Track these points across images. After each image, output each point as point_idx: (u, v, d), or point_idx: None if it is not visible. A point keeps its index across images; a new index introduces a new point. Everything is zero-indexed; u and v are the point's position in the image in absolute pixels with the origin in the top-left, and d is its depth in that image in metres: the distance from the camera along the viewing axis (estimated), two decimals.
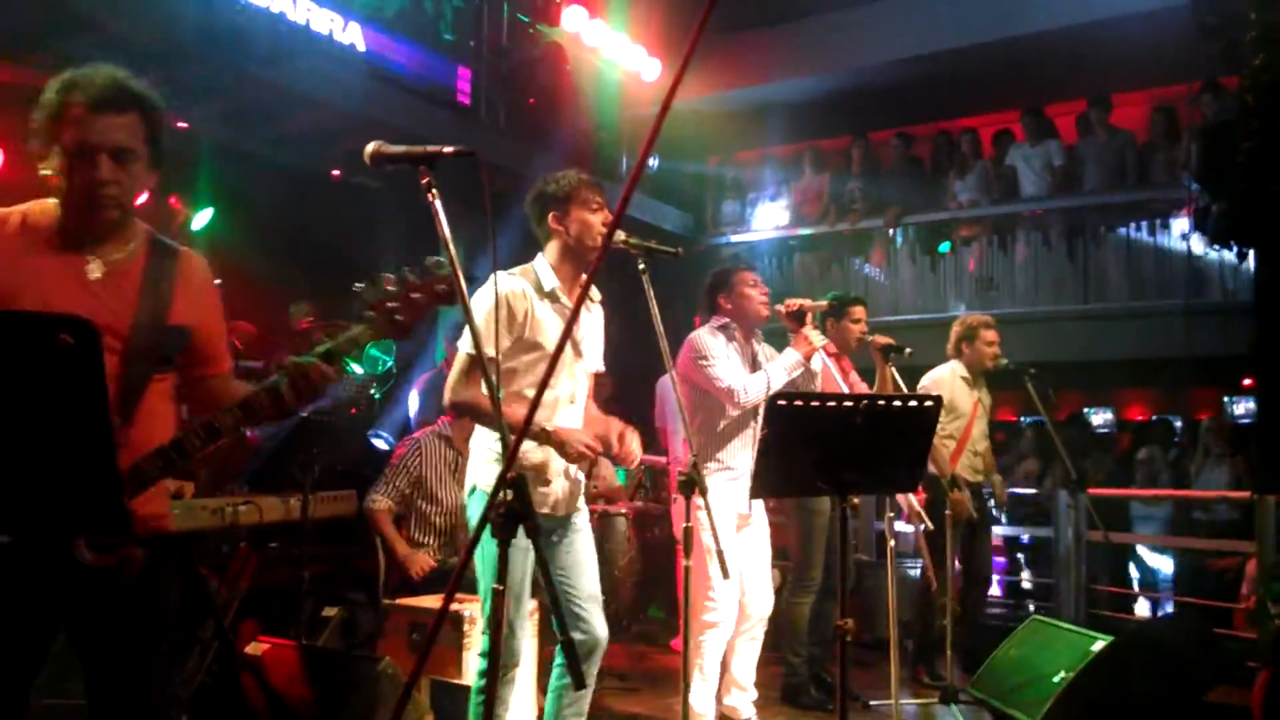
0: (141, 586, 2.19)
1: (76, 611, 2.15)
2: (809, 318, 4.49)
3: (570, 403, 3.33)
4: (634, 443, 3.33)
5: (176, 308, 2.27)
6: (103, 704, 2.25)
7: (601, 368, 3.54)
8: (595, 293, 3.44)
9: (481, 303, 3.14)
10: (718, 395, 4.32)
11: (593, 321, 3.50)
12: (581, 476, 3.41)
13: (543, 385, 2.13)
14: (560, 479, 3.28)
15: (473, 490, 3.34)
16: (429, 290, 2.21)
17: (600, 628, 3.28)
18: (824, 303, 4.86)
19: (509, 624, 3.17)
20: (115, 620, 2.18)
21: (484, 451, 3.32)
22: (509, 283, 3.24)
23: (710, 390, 4.34)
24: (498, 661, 1.90)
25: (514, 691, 3.40)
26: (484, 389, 3.01)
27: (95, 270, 2.20)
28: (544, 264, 3.37)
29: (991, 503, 6.08)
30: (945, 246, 9.95)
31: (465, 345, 3.20)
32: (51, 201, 2.23)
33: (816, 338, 4.46)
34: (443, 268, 2.20)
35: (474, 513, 3.35)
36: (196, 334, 2.32)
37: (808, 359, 4.42)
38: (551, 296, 3.29)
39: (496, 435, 3.21)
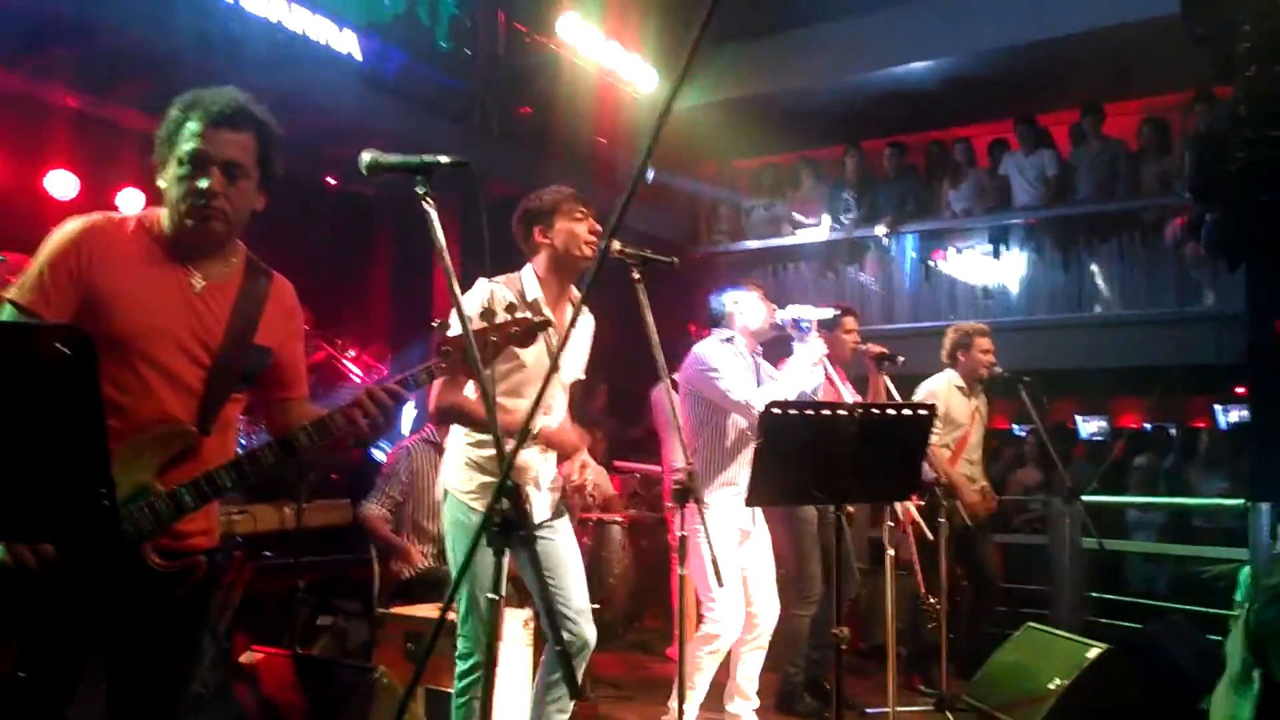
0: (195, 597, 2.27)
1: (135, 616, 2.17)
2: (809, 324, 4.49)
3: (545, 413, 3.35)
4: (590, 476, 3.37)
5: (263, 328, 2.34)
6: (128, 709, 2.26)
7: (580, 376, 3.56)
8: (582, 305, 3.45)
9: (476, 295, 3.21)
10: (730, 408, 4.31)
11: (577, 332, 3.49)
12: (554, 485, 3.42)
13: (538, 400, 2.14)
14: (532, 487, 3.31)
15: (445, 495, 3.38)
16: (504, 333, 2.37)
17: (588, 629, 3.32)
18: (829, 312, 4.84)
19: (486, 631, 3.17)
20: (165, 628, 2.23)
21: (457, 455, 3.37)
22: (491, 287, 3.27)
23: (720, 403, 4.33)
24: (493, 671, 1.89)
25: (496, 697, 3.40)
26: (467, 394, 3.14)
27: (196, 282, 2.27)
28: (530, 274, 3.40)
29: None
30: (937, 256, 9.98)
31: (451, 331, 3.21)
32: (162, 211, 2.29)
33: (818, 344, 4.45)
34: (518, 313, 2.38)
35: (448, 518, 3.37)
36: (278, 356, 2.39)
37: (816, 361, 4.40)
38: (533, 308, 3.27)
39: (470, 441, 3.31)
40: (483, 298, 3.20)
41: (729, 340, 4.54)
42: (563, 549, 3.37)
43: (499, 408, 3.17)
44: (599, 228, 3.40)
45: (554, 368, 2.13)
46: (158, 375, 2.19)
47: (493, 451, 3.22)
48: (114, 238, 2.24)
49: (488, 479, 3.25)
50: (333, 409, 2.29)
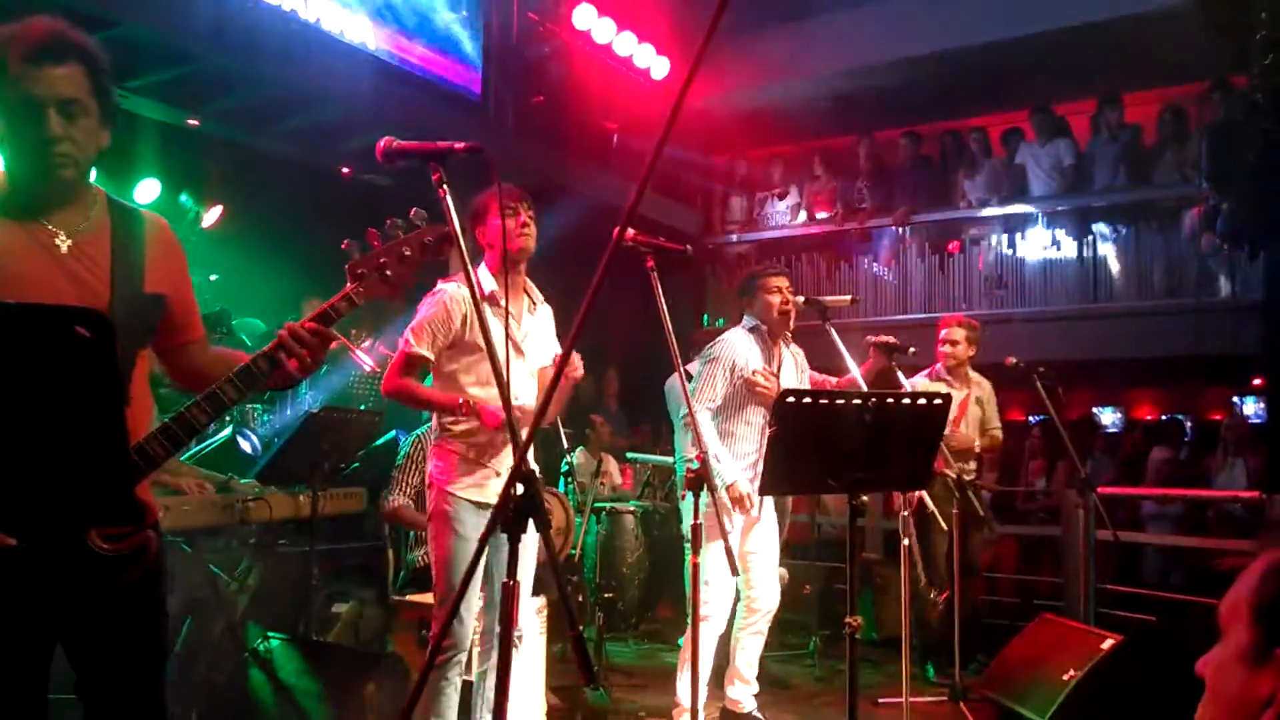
0: (145, 577, 2.12)
1: (89, 604, 2.05)
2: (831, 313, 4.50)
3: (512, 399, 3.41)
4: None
5: (149, 275, 2.16)
6: (105, 702, 2.17)
7: (547, 363, 3.68)
8: (538, 294, 3.66)
9: (430, 305, 3.46)
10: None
11: (537, 321, 3.66)
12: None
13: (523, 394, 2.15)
14: (505, 471, 3.39)
15: (429, 484, 3.54)
16: (417, 244, 2.21)
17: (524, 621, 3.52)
18: (846, 298, 4.84)
19: (460, 613, 3.33)
20: (121, 613, 2.11)
21: (435, 444, 3.55)
22: (448, 287, 3.48)
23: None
24: (509, 656, 1.90)
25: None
26: (415, 379, 3.48)
27: (62, 242, 2.06)
28: (484, 269, 3.57)
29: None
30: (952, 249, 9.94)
31: (407, 343, 3.45)
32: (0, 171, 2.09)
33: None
34: (426, 220, 2.21)
35: (430, 507, 3.52)
36: (171, 301, 2.22)
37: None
38: (490, 300, 3.42)
39: (440, 426, 3.52)
40: (442, 298, 3.44)
41: (753, 330, 4.56)
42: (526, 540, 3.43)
43: (469, 395, 3.39)
44: (528, 218, 3.49)
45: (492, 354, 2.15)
46: None
47: (465, 427, 3.43)
48: None
49: (465, 465, 3.44)
50: (254, 354, 2.11)
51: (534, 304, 3.65)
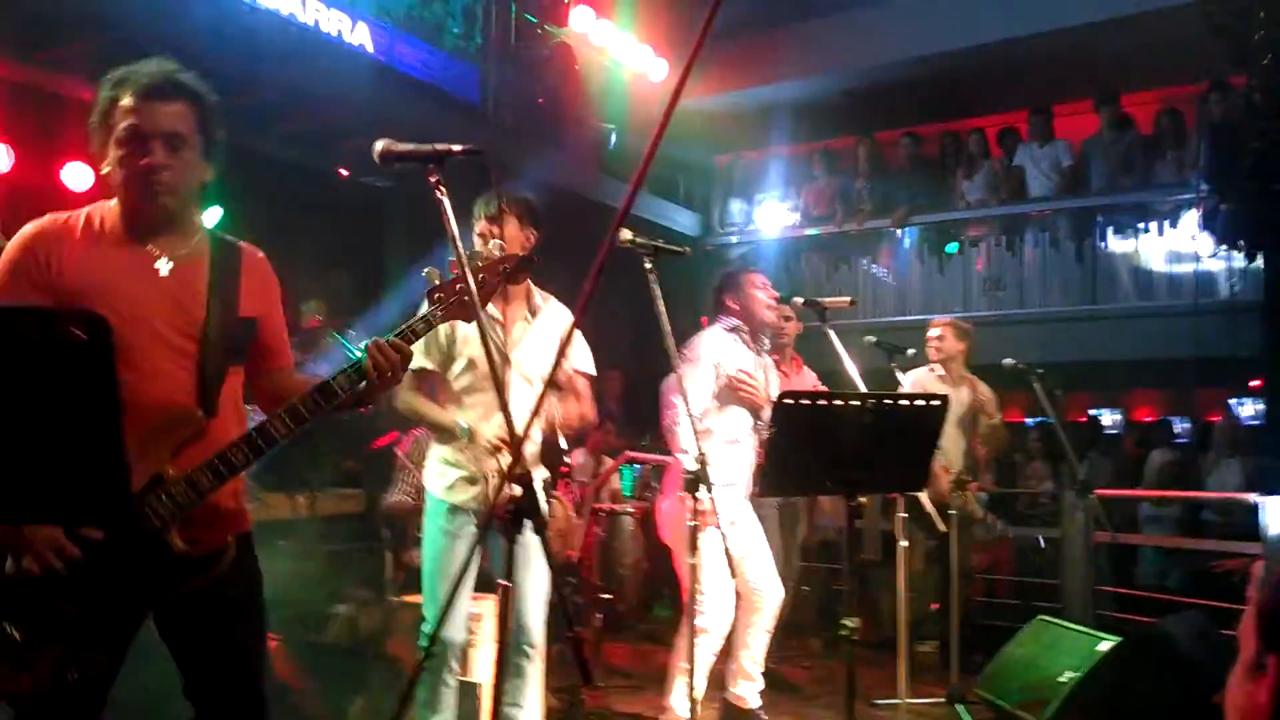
0: (234, 577, 2.26)
1: (169, 602, 2.18)
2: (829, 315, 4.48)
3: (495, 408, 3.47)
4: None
5: (244, 300, 2.31)
6: (210, 699, 2.31)
7: (582, 367, 3.69)
8: (541, 301, 3.62)
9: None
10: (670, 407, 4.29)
11: (536, 328, 3.60)
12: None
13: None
14: (496, 477, 3.40)
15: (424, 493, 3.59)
16: (494, 272, 2.37)
17: (536, 630, 3.40)
18: (846, 299, 4.82)
19: (443, 607, 3.38)
20: (210, 611, 2.23)
21: (430, 454, 3.57)
22: None
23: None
24: (505, 655, 1.90)
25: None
26: (423, 394, 3.50)
27: (164, 265, 2.23)
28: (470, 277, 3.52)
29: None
30: (953, 247, 9.94)
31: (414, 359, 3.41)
32: (112, 202, 2.27)
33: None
34: (502, 249, 2.39)
35: (425, 514, 3.56)
36: (263, 327, 2.37)
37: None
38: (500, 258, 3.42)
39: (438, 438, 3.54)
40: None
41: (733, 329, 4.50)
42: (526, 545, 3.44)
43: (464, 407, 3.43)
44: (490, 229, 3.44)
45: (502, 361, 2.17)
46: (147, 363, 2.16)
47: (460, 443, 3.45)
48: (65, 235, 2.21)
49: (458, 473, 3.46)
50: (335, 373, 2.25)
51: (531, 313, 3.62)
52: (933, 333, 5.84)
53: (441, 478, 3.50)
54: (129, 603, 2.13)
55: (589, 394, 3.67)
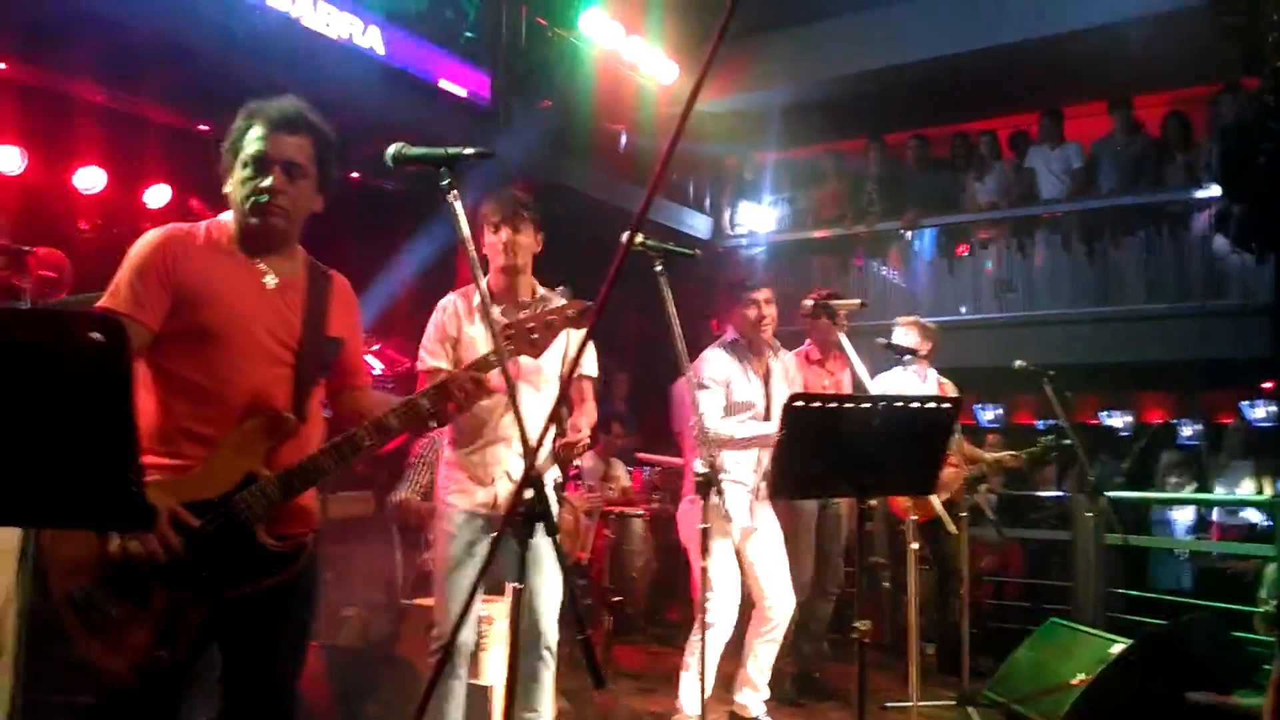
0: (303, 577, 2.39)
1: (253, 598, 2.28)
2: (840, 315, 4.46)
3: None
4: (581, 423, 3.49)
5: (332, 321, 2.51)
6: (248, 691, 2.38)
7: (589, 372, 3.66)
8: (549, 301, 3.59)
9: (431, 321, 3.54)
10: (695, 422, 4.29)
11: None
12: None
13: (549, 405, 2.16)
14: (504, 480, 3.45)
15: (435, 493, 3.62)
16: (562, 316, 2.52)
17: (550, 632, 3.43)
18: (856, 301, 4.80)
19: (448, 609, 3.39)
20: (274, 604, 2.33)
21: (444, 464, 3.58)
22: (445, 302, 3.56)
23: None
24: (518, 658, 1.91)
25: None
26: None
27: (270, 280, 2.43)
28: (482, 281, 3.51)
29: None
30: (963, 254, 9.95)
31: (418, 362, 3.53)
32: (227, 218, 2.47)
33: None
34: (571, 295, 2.58)
35: (438, 516, 3.57)
36: (346, 345, 2.57)
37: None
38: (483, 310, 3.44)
39: (449, 441, 3.56)
40: (439, 312, 3.53)
41: (733, 344, 4.51)
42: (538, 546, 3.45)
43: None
44: (509, 239, 3.47)
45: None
46: (251, 364, 2.34)
47: (469, 447, 3.47)
48: (190, 242, 2.40)
49: (458, 474, 3.49)
50: (420, 393, 2.45)
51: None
52: (899, 330, 5.80)
53: (452, 482, 3.51)
54: (218, 593, 2.24)
55: (591, 397, 3.68)
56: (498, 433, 3.45)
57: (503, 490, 3.45)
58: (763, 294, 4.52)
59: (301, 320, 2.44)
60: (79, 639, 2.17)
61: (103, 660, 2.16)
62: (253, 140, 2.39)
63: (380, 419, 2.39)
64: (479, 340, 3.42)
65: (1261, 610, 5.77)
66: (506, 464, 3.47)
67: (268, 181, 2.36)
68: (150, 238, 2.37)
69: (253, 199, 2.37)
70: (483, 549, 3.45)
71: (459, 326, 3.48)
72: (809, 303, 4.58)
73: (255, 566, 2.28)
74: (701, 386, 4.31)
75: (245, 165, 2.39)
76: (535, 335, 2.49)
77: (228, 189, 2.44)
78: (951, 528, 5.02)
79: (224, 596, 2.25)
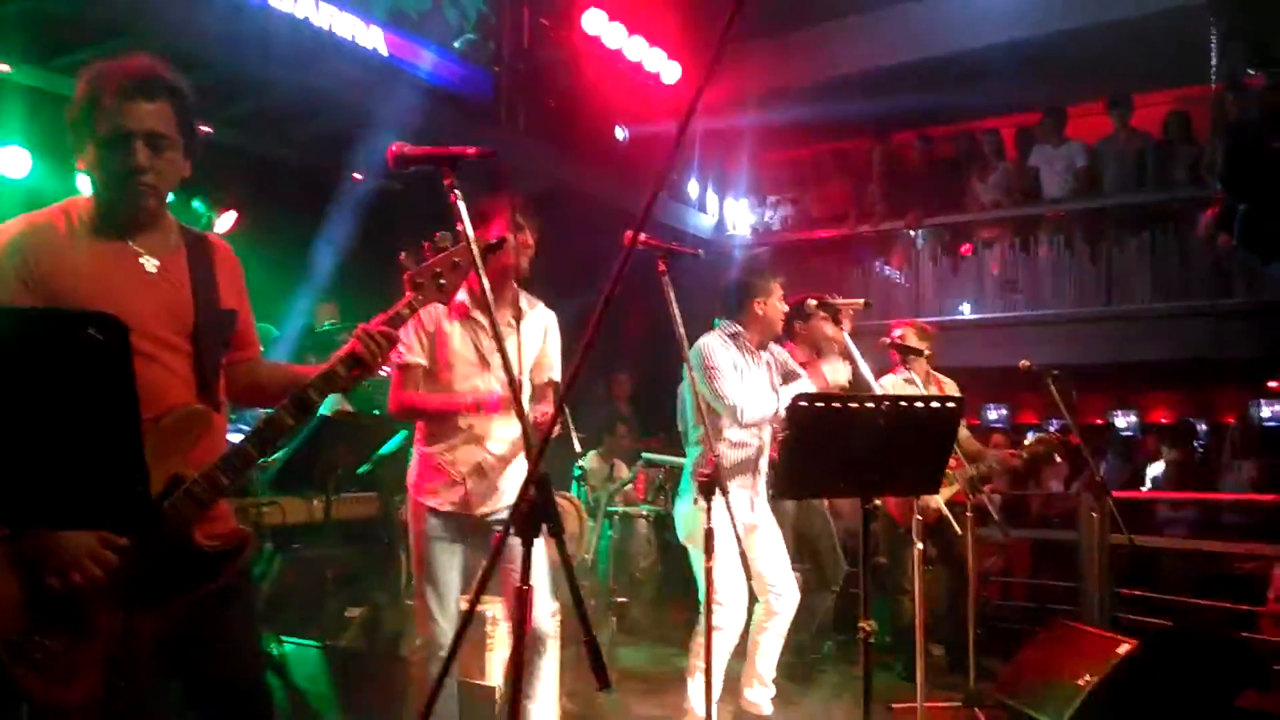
0: (241, 575, 2.28)
1: (198, 599, 2.17)
2: (844, 316, 4.43)
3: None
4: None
5: (223, 294, 2.32)
6: (212, 695, 2.28)
7: (553, 376, 3.68)
8: (527, 306, 3.61)
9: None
10: (723, 410, 4.28)
11: (521, 335, 3.55)
12: (502, 476, 3.52)
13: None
14: (475, 478, 3.44)
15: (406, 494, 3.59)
16: (467, 255, 2.33)
17: (544, 621, 3.45)
18: (860, 301, 4.77)
19: (429, 611, 3.39)
20: (217, 607, 2.21)
21: (414, 454, 3.56)
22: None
23: (711, 402, 4.26)
24: (521, 658, 1.90)
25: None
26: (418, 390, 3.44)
27: (149, 264, 2.22)
28: (485, 279, 3.48)
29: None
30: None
31: (398, 354, 3.43)
32: (85, 197, 2.24)
33: (837, 374, 4.39)
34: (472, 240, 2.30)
35: (409, 514, 3.56)
36: (239, 317, 2.38)
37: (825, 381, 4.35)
38: (458, 310, 3.45)
39: (422, 437, 3.52)
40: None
41: (733, 336, 4.45)
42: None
43: (471, 388, 3.39)
44: (530, 241, 3.50)
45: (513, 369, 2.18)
46: (149, 362, 2.14)
47: (441, 445, 3.45)
48: (51, 235, 2.16)
49: (428, 472, 3.46)
50: (331, 361, 2.28)
51: (516, 317, 3.57)
52: (896, 333, 5.78)
53: (421, 480, 3.48)
54: (162, 606, 2.12)
55: (551, 399, 3.68)
56: (472, 430, 3.44)
57: (474, 489, 3.45)
58: (780, 290, 4.52)
59: (192, 301, 2.24)
60: (27, 683, 1.99)
61: (56, 697, 2.01)
62: (106, 114, 2.12)
63: (300, 395, 2.23)
64: (455, 336, 3.44)
65: (1268, 610, 5.76)
66: (479, 461, 3.46)
67: (131, 160, 2.12)
68: (2, 238, 2.12)
69: (118, 181, 2.15)
70: (460, 547, 3.46)
71: (437, 323, 3.46)
72: (812, 302, 4.54)
73: (198, 571, 2.16)
74: (714, 372, 4.27)
75: (102, 144, 2.14)
76: (443, 279, 2.38)
77: (83, 169, 2.20)
78: (957, 529, 5.01)
79: (173, 608, 2.13)
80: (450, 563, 3.43)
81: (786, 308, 4.52)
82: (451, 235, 2.43)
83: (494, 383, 3.48)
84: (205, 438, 2.19)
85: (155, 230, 2.26)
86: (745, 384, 4.33)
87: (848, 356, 4.31)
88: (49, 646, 2.01)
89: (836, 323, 4.40)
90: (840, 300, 4.50)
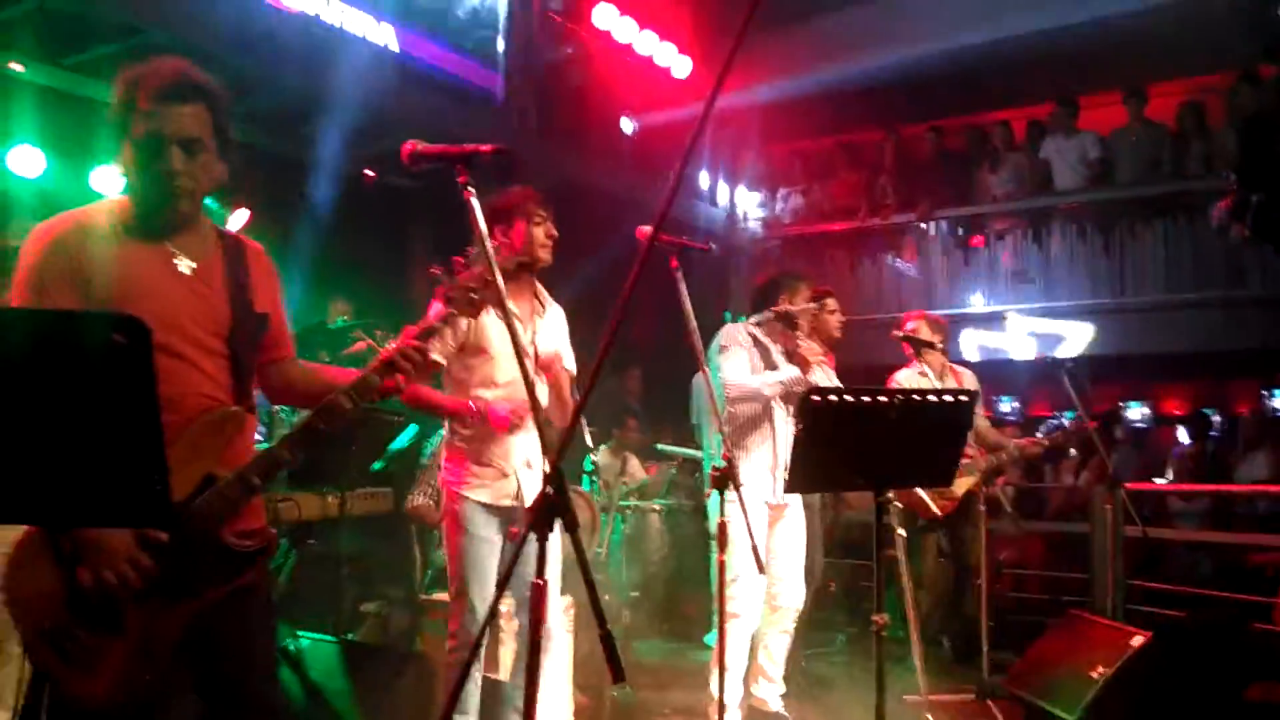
0: (259, 575, 2.31)
1: (223, 595, 2.20)
2: (801, 322, 4.44)
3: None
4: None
5: (257, 295, 2.35)
6: (227, 695, 2.29)
7: (570, 370, 3.70)
8: (547, 297, 3.65)
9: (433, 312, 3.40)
10: (727, 389, 4.29)
11: (545, 325, 3.63)
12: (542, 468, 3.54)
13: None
14: (523, 469, 3.46)
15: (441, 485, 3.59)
16: (500, 271, 2.35)
17: (552, 618, 3.51)
18: (813, 305, 4.77)
19: (474, 608, 3.39)
20: (239, 604, 2.24)
21: (446, 447, 3.56)
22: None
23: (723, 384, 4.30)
24: (538, 655, 1.91)
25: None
26: (427, 385, 3.47)
27: (186, 266, 2.24)
28: (499, 276, 3.47)
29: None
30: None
31: None
32: (122, 198, 2.27)
33: (812, 352, 4.40)
34: (499, 252, 2.48)
35: (444, 508, 3.56)
36: (272, 318, 2.40)
37: (805, 372, 4.35)
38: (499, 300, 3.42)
39: (452, 430, 3.53)
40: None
41: (759, 324, 4.52)
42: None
43: (474, 398, 3.41)
44: (555, 233, 3.52)
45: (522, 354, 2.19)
46: (186, 362, 2.19)
47: (489, 439, 3.44)
48: (92, 233, 2.19)
49: (474, 466, 3.45)
50: (367, 369, 2.33)
51: (542, 307, 3.64)
52: (909, 326, 5.76)
53: (460, 475, 3.47)
54: (188, 601, 2.16)
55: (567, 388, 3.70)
56: (521, 424, 3.43)
57: (525, 480, 3.45)
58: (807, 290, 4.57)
59: (228, 303, 2.28)
60: (57, 673, 2.06)
61: (83, 688, 2.06)
62: (141, 117, 2.16)
63: (332, 402, 2.26)
64: (490, 329, 3.42)
65: None
66: (527, 453, 3.47)
67: (167, 164, 2.16)
68: (42, 237, 2.17)
69: (153, 185, 2.19)
70: (500, 543, 3.46)
71: (468, 321, 3.44)
72: (769, 314, 4.53)
73: (226, 569, 2.20)
74: (723, 347, 4.34)
75: (137, 146, 2.18)
76: (475, 295, 2.45)
77: (120, 169, 2.25)
78: (936, 510, 5.00)
79: (200, 604, 2.17)
80: (494, 558, 3.44)
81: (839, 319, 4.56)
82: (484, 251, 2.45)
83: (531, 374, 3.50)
84: (238, 438, 2.23)
85: (192, 232, 2.29)
86: (747, 364, 4.36)
87: (800, 361, 4.32)
88: (81, 638, 2.05)
89: (793, 328, 4.40)
90: (794, 308, 4.48)
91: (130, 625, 2.09)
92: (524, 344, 3.49)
